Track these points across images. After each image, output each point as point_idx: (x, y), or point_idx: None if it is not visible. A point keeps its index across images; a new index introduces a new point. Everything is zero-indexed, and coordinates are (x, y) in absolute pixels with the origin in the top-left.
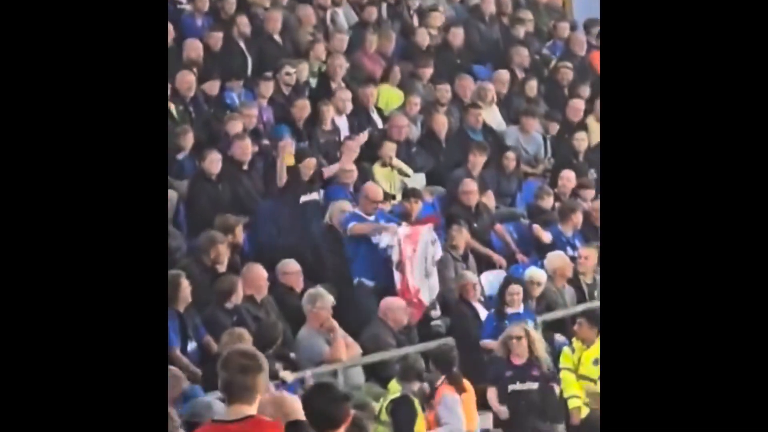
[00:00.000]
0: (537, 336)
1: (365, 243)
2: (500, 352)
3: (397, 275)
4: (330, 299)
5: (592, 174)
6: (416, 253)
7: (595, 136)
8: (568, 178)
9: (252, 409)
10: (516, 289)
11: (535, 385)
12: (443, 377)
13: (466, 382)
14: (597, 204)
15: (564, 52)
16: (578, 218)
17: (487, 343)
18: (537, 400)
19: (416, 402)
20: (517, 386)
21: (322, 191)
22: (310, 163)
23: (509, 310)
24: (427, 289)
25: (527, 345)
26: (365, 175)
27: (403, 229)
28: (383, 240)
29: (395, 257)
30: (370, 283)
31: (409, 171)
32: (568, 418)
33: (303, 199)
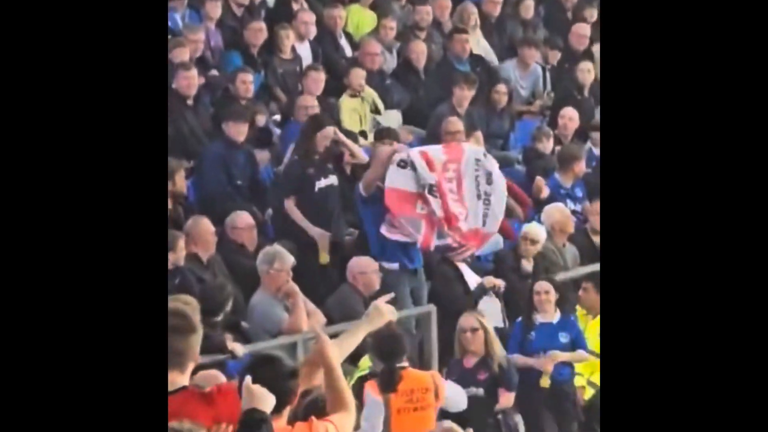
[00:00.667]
0: (493, 330)
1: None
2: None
3: (434, 201)
4: (290, 259)
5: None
6: (462, 173)
7: None
8: (570, 117)
9: (184, 379)
10: (544, 286)
11: (480, 391)
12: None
13: (417, 376)
14: None
15: None
16: (581, 166)
17: (517, 358)
18: (478, 410)
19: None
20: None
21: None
22: (327, 133)
23: (539, 319)
24: (480, 215)
25: (483, 341)
26: (330, 111)
27: (438, 152)
28: (396, 157)
29: (426, 180)
30: (394, 266)
31: (381, 105)
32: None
33: (319, 185)
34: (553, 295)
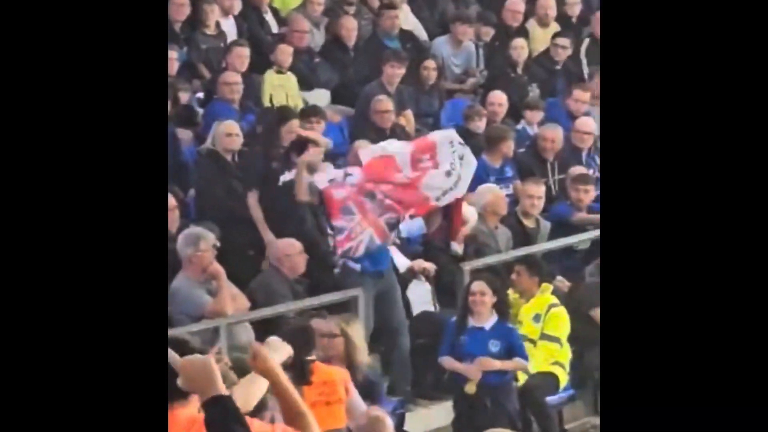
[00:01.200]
0: (359, 338)
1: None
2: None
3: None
4: (212, 239)
5: (535, 90)
6: (439, 160)
7: (538, 44)
8: (499, 102)
9: None
10: (480, 287)
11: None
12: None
13: (326, 369)
14: (550, 131)
15: None
16: (509, 146)
17: (444, 360)
18: None
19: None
20: None
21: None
22: (292, 126)
23: (471, 322)
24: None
25: (344, 349)
26: (255, 89)
27: (400, 147)
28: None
29: (333, 176)
30: (356, 267)
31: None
32: None
33: (283, 179)
34: (490, 298)
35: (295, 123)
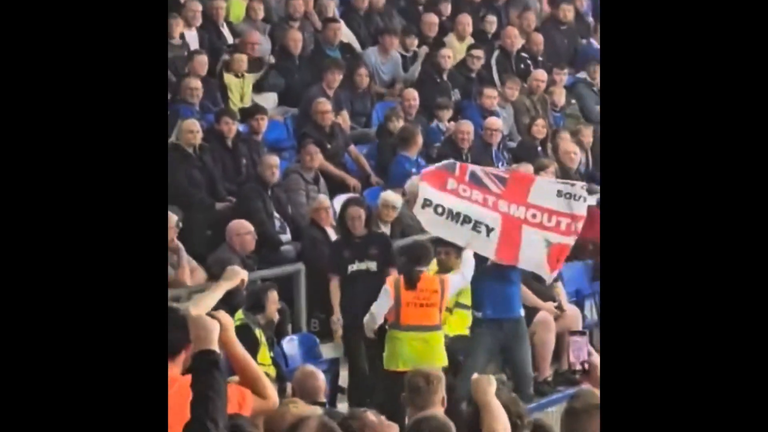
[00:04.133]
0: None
1: None
2: None
3: None
4: (174, 218)
5: (456, 95)
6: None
7: (456, 54)
8: (413, 98)
9: None
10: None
11: None
12: None
13: (430, 279)
14: (464, 125)
15: None
16: (418, 141)
17: None
18: None
19: (258, 332)
20: None
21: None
22: (356, 213)
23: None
24: None
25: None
26: (213, 90)
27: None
28: None
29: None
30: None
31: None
32: None
33: (352, 268)
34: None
35: (359, 211)
